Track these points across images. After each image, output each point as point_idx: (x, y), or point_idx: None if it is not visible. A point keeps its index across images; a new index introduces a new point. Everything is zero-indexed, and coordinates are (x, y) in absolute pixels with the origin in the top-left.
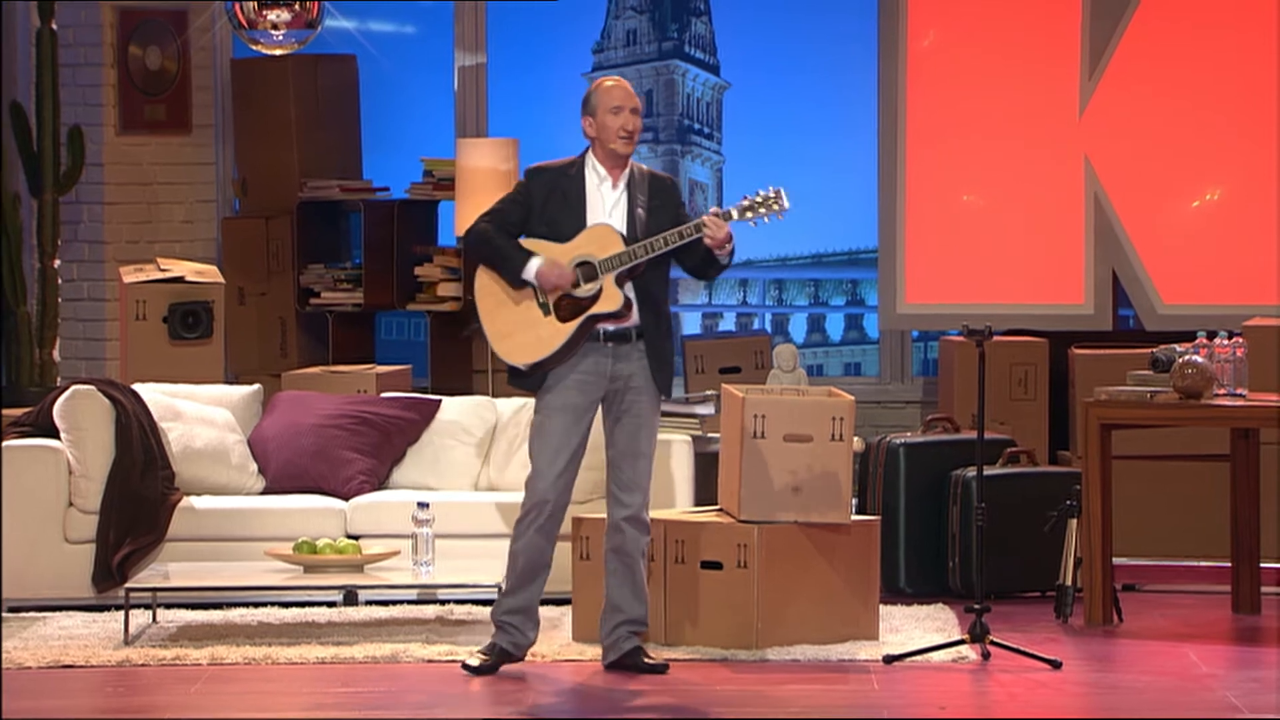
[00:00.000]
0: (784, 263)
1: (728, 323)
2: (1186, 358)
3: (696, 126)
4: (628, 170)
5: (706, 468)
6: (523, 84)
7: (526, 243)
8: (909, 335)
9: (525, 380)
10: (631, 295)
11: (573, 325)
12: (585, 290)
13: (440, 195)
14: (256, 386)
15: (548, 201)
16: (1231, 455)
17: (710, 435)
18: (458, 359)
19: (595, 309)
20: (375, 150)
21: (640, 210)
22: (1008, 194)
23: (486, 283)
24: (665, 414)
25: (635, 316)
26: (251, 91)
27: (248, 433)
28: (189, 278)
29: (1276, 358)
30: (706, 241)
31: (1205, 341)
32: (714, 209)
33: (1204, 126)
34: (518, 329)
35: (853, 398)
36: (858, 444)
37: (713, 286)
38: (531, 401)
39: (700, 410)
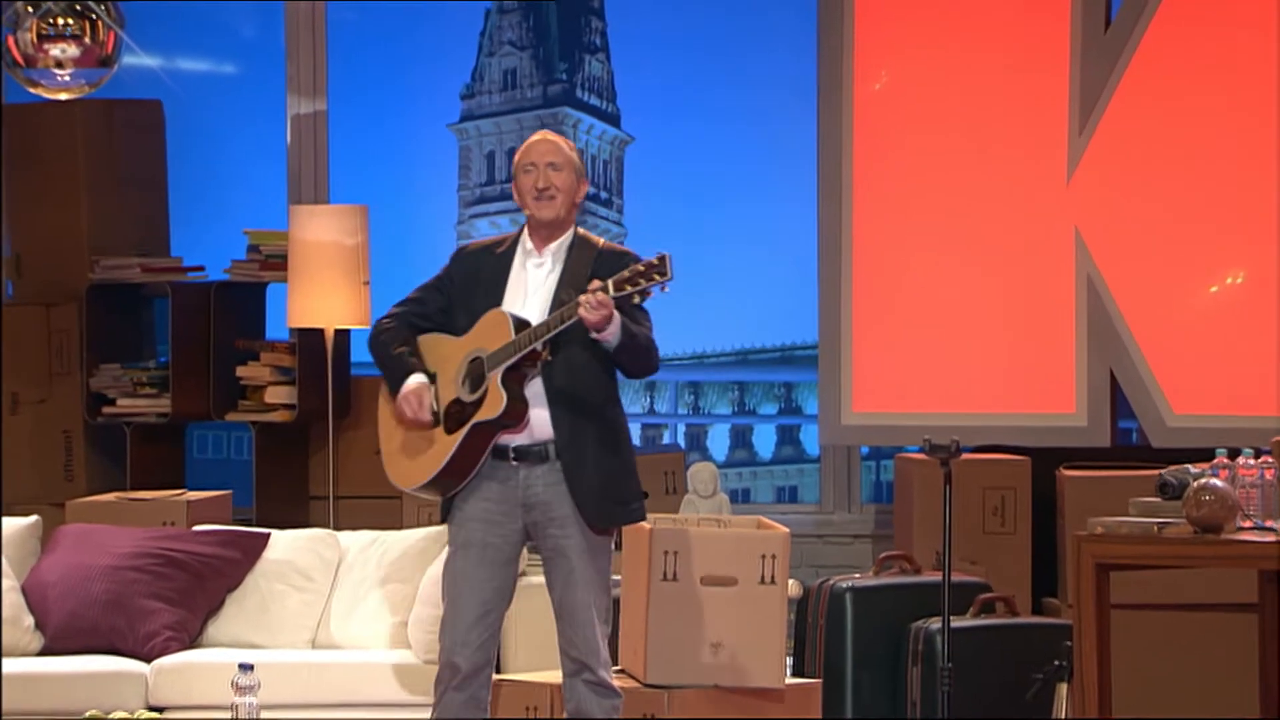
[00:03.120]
0: (701, 360)
1: (632, 436)
2: (1203, 481)
3: (591, 191)
4: (564, 241)
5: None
6: (373, 137)
7: (426, 339)
8: (857, 452)
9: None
10: (537, 397)
11: (458, 436)
12: (472, 395)
13: (269, 276)
14: (34, 519)
15: (465, 286)
16: (1260, 603)
17: (613, 578)
18: (290, 482)
19: (478, 415)
20: (186, 220)
21: (565, 293)
22: (981, 275)
23: (383, 397)
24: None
25: (543, 428)
26: (28, 145)
27: (22, 578)
28: None
29: None
30: (587, 326)
31: (1226, 461)
32: (595, 282)
33: (1221, 192)
34: (410, 447)
35: (787, 530)
36: (793, 588)
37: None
38: (381, 536)
39: None
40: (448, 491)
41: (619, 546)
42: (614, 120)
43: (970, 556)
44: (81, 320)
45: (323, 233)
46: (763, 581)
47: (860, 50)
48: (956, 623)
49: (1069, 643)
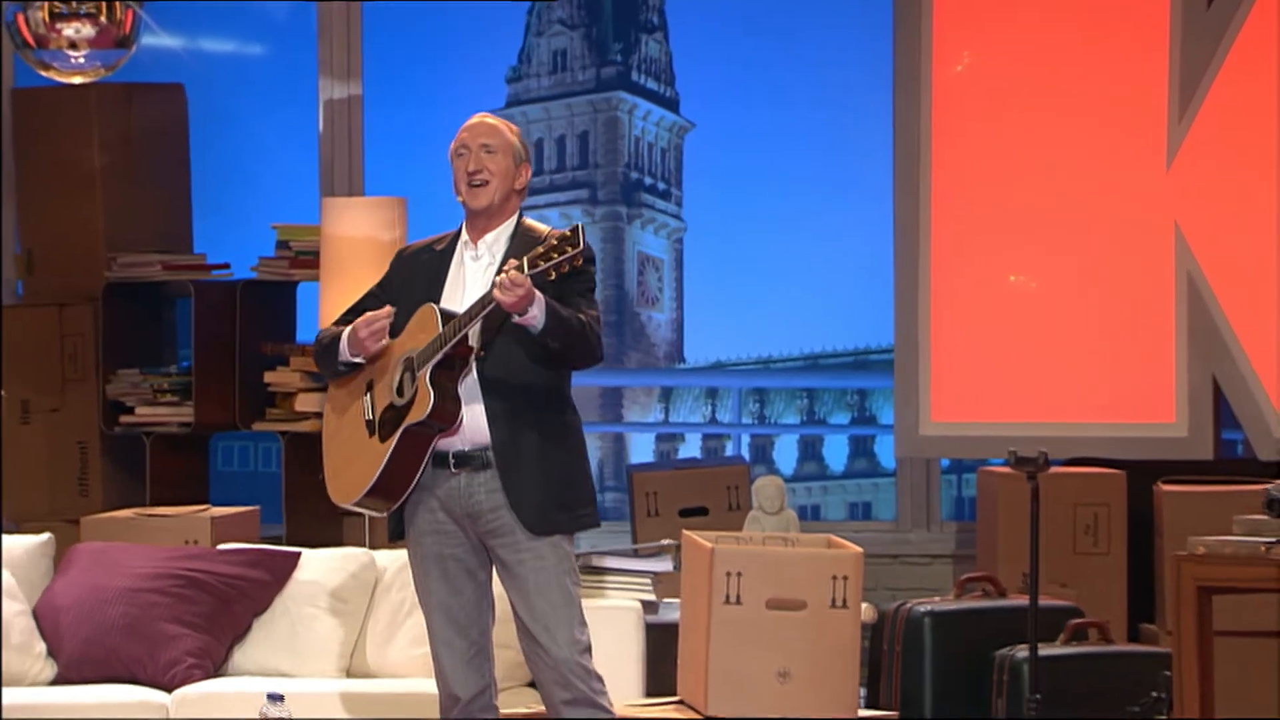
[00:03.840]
0: (767, 366)
1: (691, 447)
2: None
3: (648, 181)
4: (504, 232)
5: (662, 644)
6: (412, 124)
7: None
8: (936, 465)
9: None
10: (473, 396)
11: (391, 442)
12: (404, 398)
13: (299, 274)
14: (46, 537)
15: (404, 288)
16: None
17: (668, 601)
18: (323, 497)
19: (408, 417)
20: (210, 214)
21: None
22: (1071, 273)
23: (327, 409)
24: (602, 571)
25: (481, 431)
26: (40, 133)
27: (33, 601)
28: None
29: None
30: (503, 307)
31: None
32: (511, 262)
33: None
34: (349, 461)
35: (861, 550)
36: (867, 612)
37: (670, 399)
38: None
39: (653, 566)
40: (389, 506)
41: (676, 566)
42: (672, 105)
43: (1060, 579)
44: (97, 322)
45: (357, 227)
46: (834, 605)
47: (940, 29)
48: (1045, 650)
49: (1168, 673)
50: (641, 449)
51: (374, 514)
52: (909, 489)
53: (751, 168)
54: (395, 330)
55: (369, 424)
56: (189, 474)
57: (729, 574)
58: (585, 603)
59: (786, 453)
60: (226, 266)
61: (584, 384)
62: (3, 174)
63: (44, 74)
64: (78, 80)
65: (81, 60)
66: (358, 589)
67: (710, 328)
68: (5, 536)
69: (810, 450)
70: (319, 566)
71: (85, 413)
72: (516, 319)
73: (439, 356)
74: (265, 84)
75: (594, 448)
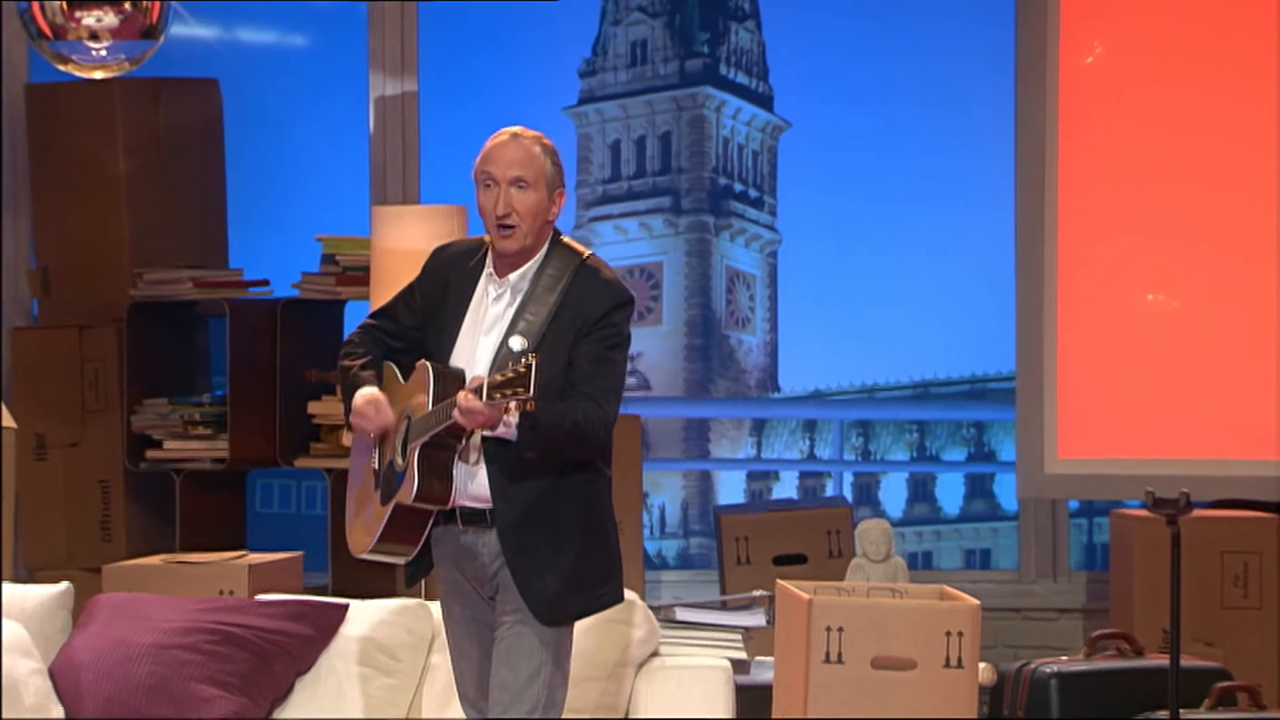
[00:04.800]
0: (871, 395)
1: (786, 487)
2: None
3: (738, 188)
4: (530, 269)
5: (755, 708)
6: (472, 124)
7: (389, 372)
8: (1064, 507)
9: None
10: (469, 475)
11: (386, 510)
12: (402, 462)
13: (347, 292)
14: (64, 587)
15: (431, 305)
16: None
17: (760, 659)
18: None
19: (398, 495)
20: (248, 224)
21: (517, 341)
22: (1216, 291)
23: (353, 449)
24: (687, 625)
25: (481, 489)
26: (57, 134)
27: (49, 658)
28: None
29: None
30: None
31: None
32: (475, 378)
33: None
34: (361, 508)
35: (978, 603)
36: (985, 673)
37: (763, 433)
38: None
39: (743, 620)
40: (398, 560)
41: (770, 620)
42: (766, 102)
43: (1205, 636)
44: (121, 346)
45: (412, 239)
46: (948, 664)
47: (1069, 14)
48: (1188, 716)
49: None
50: (731, 488)
51: (394, 561)
52: (1033, 534)
53: (854, 172)
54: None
55: (375, 475)
56: (223, 516)
57: (829, 629)
58: (667, 660)
59: (894, 493)
60: (266, 283)
61: (665, 415)
62: (15, 180)
63: (62, 68)
64: (99, 75)
65: (103, 53)
66: (412, 644)
67: (808, 352)
68: (19, 587)
69: (921, 490)
70: (369, 619)
71: (108, 447)
72: (487, 432)
73: (428, 438)
74: (309, 79)
75: (677, 487)
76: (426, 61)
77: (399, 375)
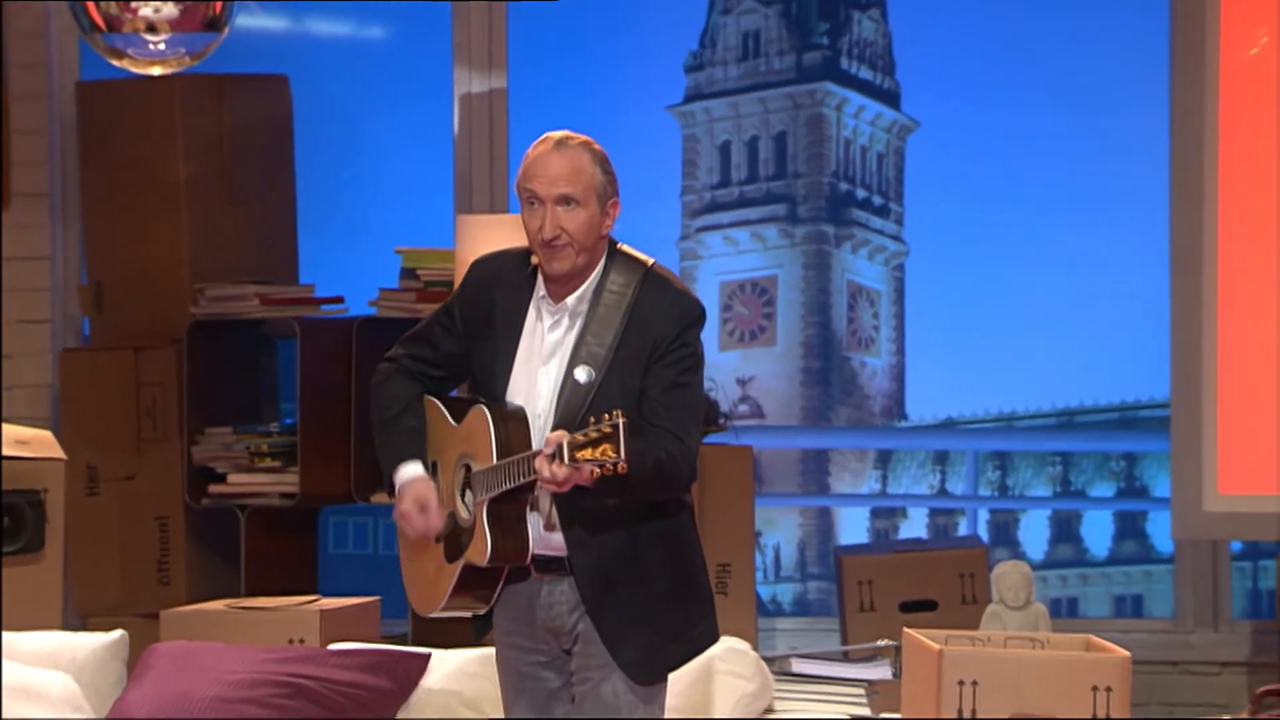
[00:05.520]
0: (1010, 423)
1: (915, 525)
2: None
3: (861, 194)
4: (586, 290)
5: None
6: (566, 124)
7: (432, 407)
8: (1225, 549)
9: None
10: (536, 532)
11: (454, 569)
12: (466, 514)
13: (429, 310)
14: (118, 635)
15: (477, 328)
16: None
17: (886, 716)
18: None
19: (466, 555)
20: (320, 235)
21: (583, 372)
22: None
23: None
24: (805, 678)
25: (559, 545)
26: (111, 137)
27: (102, 713)
28: (4, 452)
29: None
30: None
31: None
32: (555, 436)
33: None
34: (420, 562)
35: (1128, 654)
36: None
37: (888, 465)
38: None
39: (867, 673)
40: (477, 610)
41: (896, 673)
42: (892, 100)
43: None
44: (181, 370)
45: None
46: None
47: (1230, 1)
48: None
49: None
50: (853, 527)
51: (466, 614)
52: (1190, 579)
53: (990, 177)
54: (489, 392)
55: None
56: (293, 557)
57: (962, 683)
58: (783, 716)
59: (1035, 532)
60: (340, 300)
61: (779, 446)
62: (65, 187)
63: (116, 64)
64: (157, 71)
65: (162, 47)
66: (499, 698)
67: (939, 376)
68: (69, 635)
69: (1065, 529)
70: (451, 671)
71: (166, 481)
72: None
73: (496, 493)
74: (388, 75)
75: (793, 525)
76: (516, 56)
77: (447, 414)
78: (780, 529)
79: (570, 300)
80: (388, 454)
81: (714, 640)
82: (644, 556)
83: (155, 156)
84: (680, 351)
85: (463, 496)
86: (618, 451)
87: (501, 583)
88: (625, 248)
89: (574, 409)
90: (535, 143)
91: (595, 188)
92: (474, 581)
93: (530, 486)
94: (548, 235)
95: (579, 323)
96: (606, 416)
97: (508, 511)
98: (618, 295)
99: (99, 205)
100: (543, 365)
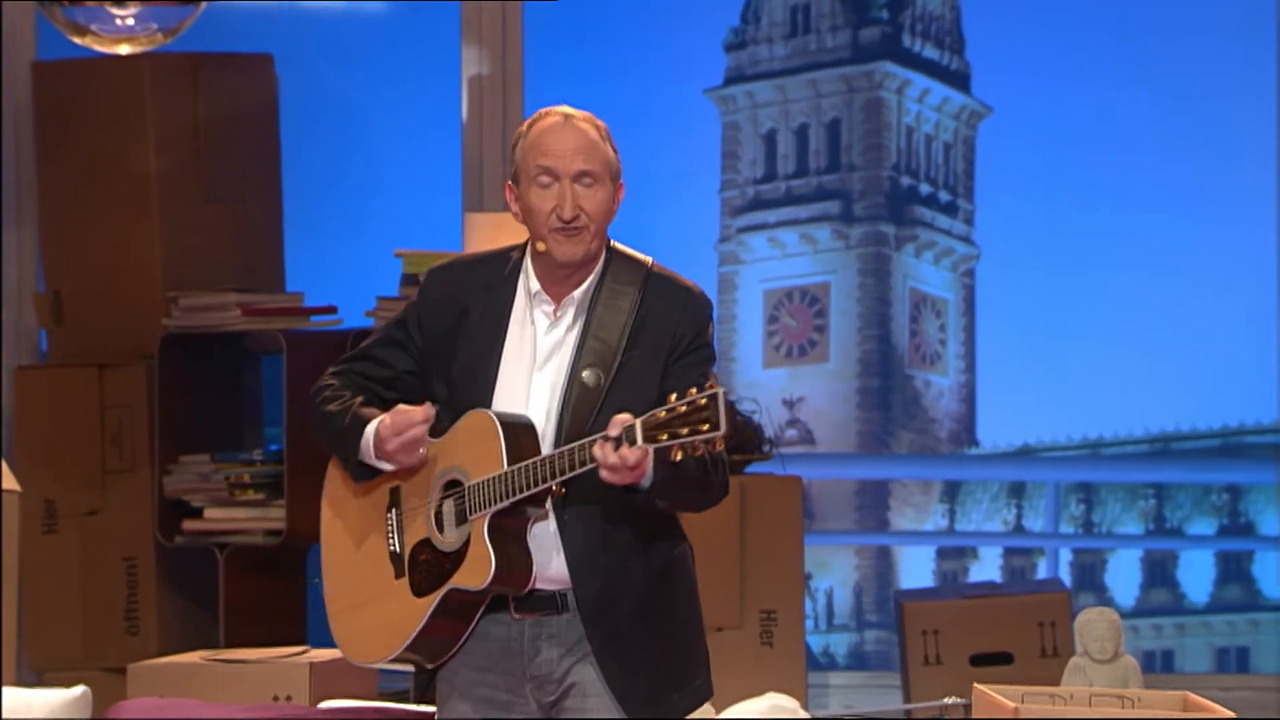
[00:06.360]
0: (1096, 451)
1: (987, 567)
2: None
3: (925, 190)
4: (591, 282)
5: None
6: (592, 110)
7: None
8: None
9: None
10: (545, 534)
11: (429, 602)
12: (448, 541)
13: None
14: (80, 691)
15: (443, 341)
16: None
17: None
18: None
19: (456, 579)
20: (308, 236)
21: (591, 372)
22: None
23: (329, 499)
24: None
25: (556, 570)
26: (72, 125)
27: None
28: None
29: None
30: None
31: None
32: (620, 419)
33: None
34: (363, 600)
35: (1232, 714)
36: None
37: (956, 498)
38: None
39: None
40: (426, 665)
41: None
42: (961, 82)
43: None
44: (151, 390)
45: None
46: None
47: None
48: None
49: None
50: (916, 569)
51: (411, 668)
52: None
53: (1073, 171)
54: (462, 405)
55: (394, 557)
56: (278, 602)
57: None
58: None
59: (1124, 575)
60: (333, 311)
61: (833, 476)
62: (19, 182)
63: (78, 41)
64: (124, 50)
65: (130, 21)
66: None
67: (1014, 397)
68: (25, 692)
69: (1159, 572)
70: None
71: (134, 517)
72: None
73: (505, 505)
74: (387, 54)
75: (848, 566)
76: (532, 32)
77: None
78: (833, 571)
79: (576, 294)
80: (347, 438)
81: (709, 695)
82: (651, 589)
83: (122, 147)
84: (703, 351)
85: (438, 521)
86: (715, 425)
87: (474, 625)
88: (618, 244)
89: (584, 414)
90: (534, 118)
91: (609, 166)
92: (450, 616)
93: (541, 499)
94: (568, 214)
95: (581, 321)
96: (693, 390)
97: (511, 528)
98: (622, 292)
99: (58, 203)
100: (537, 370)
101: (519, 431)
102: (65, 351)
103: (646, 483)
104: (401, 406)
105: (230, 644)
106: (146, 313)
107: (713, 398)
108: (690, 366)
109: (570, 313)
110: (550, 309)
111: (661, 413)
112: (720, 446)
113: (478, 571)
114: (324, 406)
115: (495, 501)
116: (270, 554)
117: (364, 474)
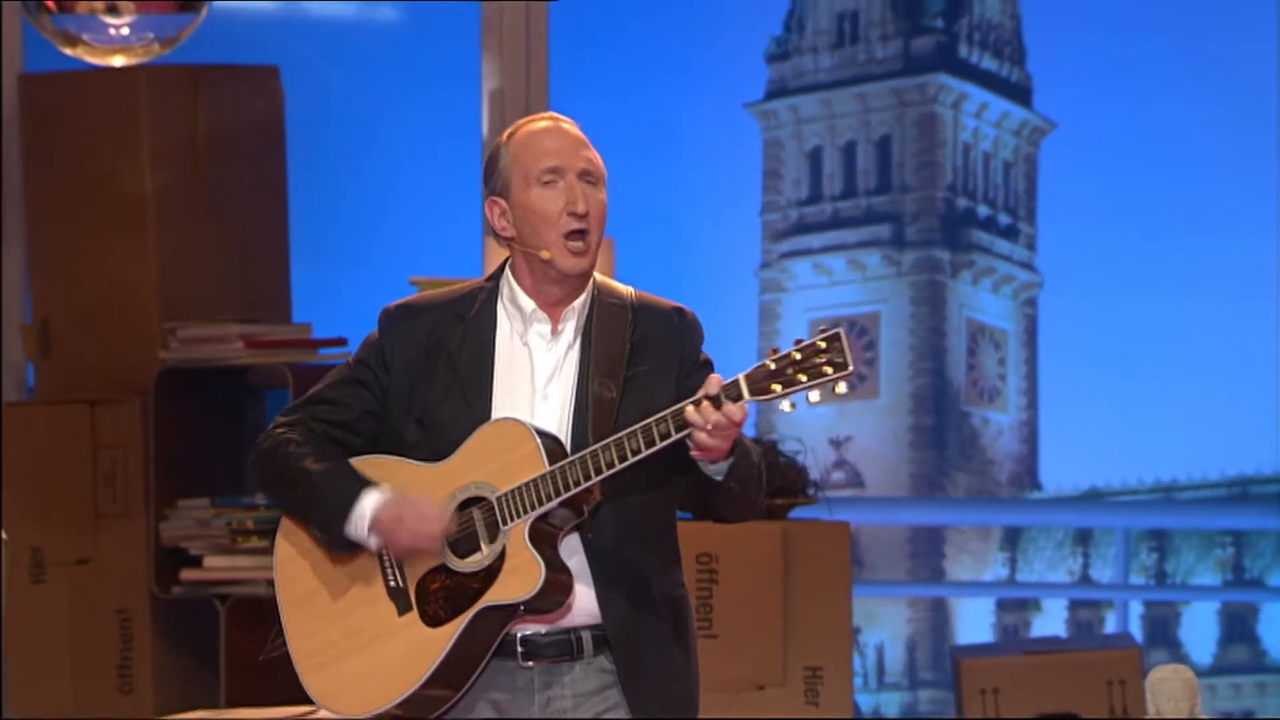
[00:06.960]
0: (1169, 495)
1: (1051, 620)
2: None
3: (983, 212)
4: (584, 301)
5: None
6: (618, 126)
7: (368, 463)
8: None
9: None
10: (578, 564)
11: (453, 629)
12: (473, 560)
13: None
14: None
15: (418, 374)
16: None
17: None
18: None
19: (492, 594)
20: (316, 262)
21: (602, 385)
22: None
23: (288, 552)
24: None
25: (584, 605)
26: (63, 142)
27: None
28: None
29: None
30: (692, 446)
31: None
32: (713, 379)
33: None
34: (355, 647)
35: None
36: None
37: (1017, 546)
38: None
39: None
40: (429, 714)
41: None
42: (1022, 96)
43: None
44: (147, 428)
45: None
46: None
47: None
48: None
49: None
50: (974, 622)
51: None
52: None
53: (1143, 191)
54: (405, 446)
55: (395, 593)
56: (284, 657)
57: None
58: None
59: (1201, 629)
60: (342, 343)
61: (883, 522)
62: (4, 203)
63: (69, 52)
64: (119, 61)
65: (125, 31)
66: None
67: (1080, 436)
68: None
69: (1239, 626)
70: None
71: (128, 566)
72: (705, 465)
73: (551, 506)
74: (401, 66)
75: (900, 619)
76: (558, 43)
77: (409, 461)
78: (884, 625)
79: (577, 304)
80: (329, 504)
81: None
82: (664, 620)
83: (116, 166)
84: (707, 367)
85: (454, 548)
86: (845, 365)
87: (484, 665)
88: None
89: (604, 427)
90: (512, 128)
91: (603, 170)
92: (470, 648)
93: (580, 505)
94: (581, 208)
95: (580, 338)
96: (822, 331)
97: (546, 534)
98: (616, 309)
99: (46, 226)
100: (539, 390)
101: (548, 437)
102: (54, 387)
103: (726, 465)
104: (422, 502)
105: (232, 703)
106: (141, 345)
107: (835, 337)
108: (699, 374)
109: (570, 327)
110: (547, 328)
111: (770, 363)
112: (840, 389)
113: (522, 581)
114: (289, 463)
115: (539, 503)
116: (274, 606)
117: (346, 547)
